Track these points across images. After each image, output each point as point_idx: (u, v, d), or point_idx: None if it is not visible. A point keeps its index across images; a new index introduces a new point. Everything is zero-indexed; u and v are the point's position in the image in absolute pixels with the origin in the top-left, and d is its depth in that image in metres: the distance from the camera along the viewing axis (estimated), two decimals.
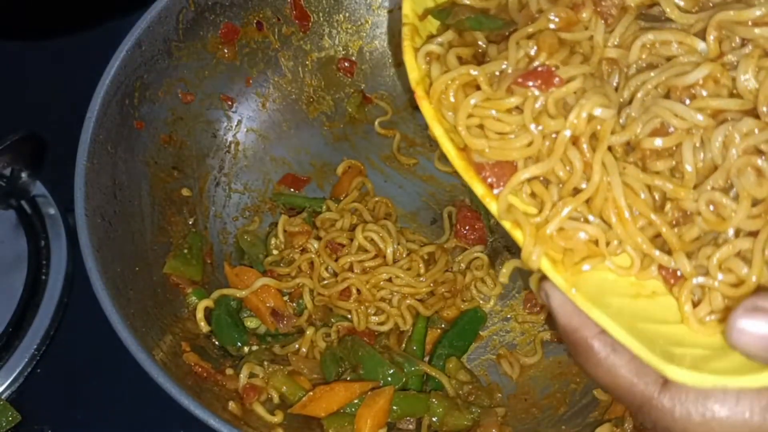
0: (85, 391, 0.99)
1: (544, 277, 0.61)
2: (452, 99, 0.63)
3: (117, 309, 0.80)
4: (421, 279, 0.98)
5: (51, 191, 1.09)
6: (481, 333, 1.00)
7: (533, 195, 0.62)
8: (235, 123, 1.08)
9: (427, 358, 0.97)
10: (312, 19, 1.09)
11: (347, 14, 1.11)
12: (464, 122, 0.62)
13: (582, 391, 0.92)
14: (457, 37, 0.67)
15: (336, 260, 0.98)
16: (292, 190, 1.08)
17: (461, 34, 0.67)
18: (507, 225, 0.62)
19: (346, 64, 1.12)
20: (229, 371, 0.88)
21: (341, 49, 1.12)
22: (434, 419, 0.89)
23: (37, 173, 1.08)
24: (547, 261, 0.60)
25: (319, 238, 1.00)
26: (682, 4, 0.62)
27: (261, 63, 1.07)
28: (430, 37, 0.69)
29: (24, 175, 1.07)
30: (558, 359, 0.97)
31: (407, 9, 0.70)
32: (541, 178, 0.62)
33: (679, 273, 0.59)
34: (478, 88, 0.62)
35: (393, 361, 0.91)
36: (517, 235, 0.61)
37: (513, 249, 1.04)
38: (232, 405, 0.83)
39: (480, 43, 0.67)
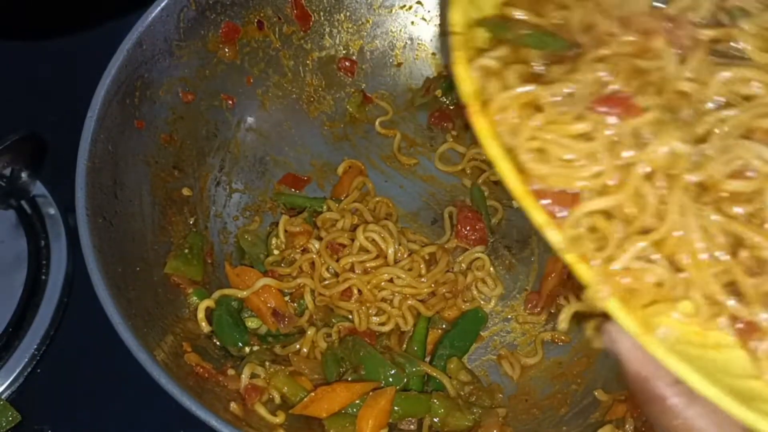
0: (85, 391, 0.99)
1: (606, 318, 0.57)
2: (513, 119, 0.59)
3: (118, 309, 0.80)
4: (422, 279, 0.98)
5: (51, 191, 1.09)
6: (481, 333, 1.00)
7: (593, 229, 0.58)
8: (236, 122, 1.07)
9: (428, 359, 0.97)
10: (313, 19, 1.09)
11: (348, 13, 1.11)
12: (526, 145, 0.58)
13: (583, 392, 0.92)
14: (510, 54, 0.63)
15: (337, 260, 0.98)
16: (292, 189, 1.08)
17: (515, 51, 0.63)
18: (570, 258, 0.57)
19: (347, 63, 1.12)
20: (231, 372, 0.88)
21: (342, 48, 1.12)
22: (435, 420, 0.89)
23: (37, 173, 1.08)
24: (616, 302, 0.56)
25: (320, 239, 1.00)
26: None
27: (262, 62, 1.07)
28: (481, 51, 0.64)
29: (24, 175, 1.07)
30: (558, 360, 0.96)
31: (457, 17, 0.64)
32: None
33: (755, 325, 0.55)
34: (538, 109, 0.59)
35: (394, 362, 0.91)
36: (582, 270, 0.57)
37: (513, 249, 1.04)
38: (233, 406, 0.82)
39: (534, 63, 0.63)
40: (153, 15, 0.94)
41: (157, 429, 0.96)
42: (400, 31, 1.13)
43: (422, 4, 1.12)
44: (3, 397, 0.97)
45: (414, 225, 1.07)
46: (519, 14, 0.65)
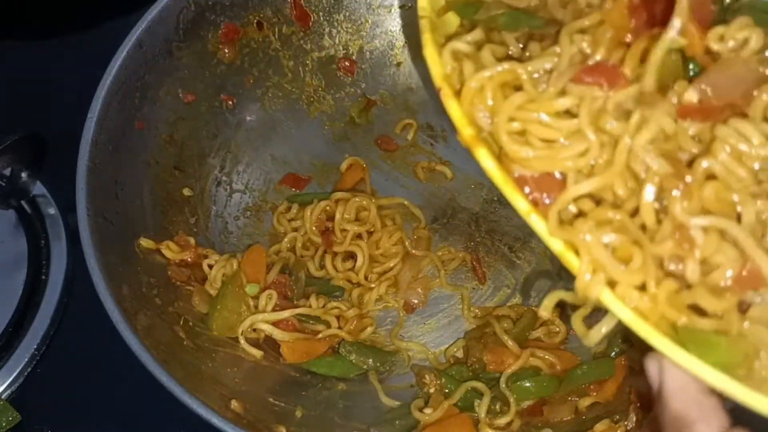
0: (85, 391, 0.99)
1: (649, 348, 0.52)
2: (489, 100, 0.55)
3: (118, 309, 0.80)
4: None
5: (51, 191, 1.09)
6: None
7: (581, 215, 0.54)
8: (236, 123, 1.07)
9: None
10: (312, 19, 1.09)
11: (347, 14, 1.11)
12: (506, 127, 0.54)
13: None
14: (484, 38, 0.59)
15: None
16: (293, 189, 1.08)
17: (489, 35, 0.60)
18: (557, 247, 0.53)
19: (347, 63, 1.12)
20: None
21: (341, 48, 1.12)
22: None
23: (37, 173, 1.08)
24: (610, 293, 0.52)
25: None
26: None
27: (261, 63, 1.07)
28: (453, 36, 0.61)
29: (24, 175, 1.07)
30: None
31: (423, 1, 0.61)
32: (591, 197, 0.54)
33: None
34: (517, 90, 0.55)
35: None
36: (570, 259, 0.53)
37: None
38: (234, 404, 0.82)
39: (510, 45, 0.59)
40: (152, 15, 0.94)
41: (157, 429, 0.96)
42: (399, 30, 1.13)
43: None
44: (3, 397, 0.96)
45: (414, 223, 1.07)
46: None
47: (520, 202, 0.54)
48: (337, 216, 1.02)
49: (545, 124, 0.54)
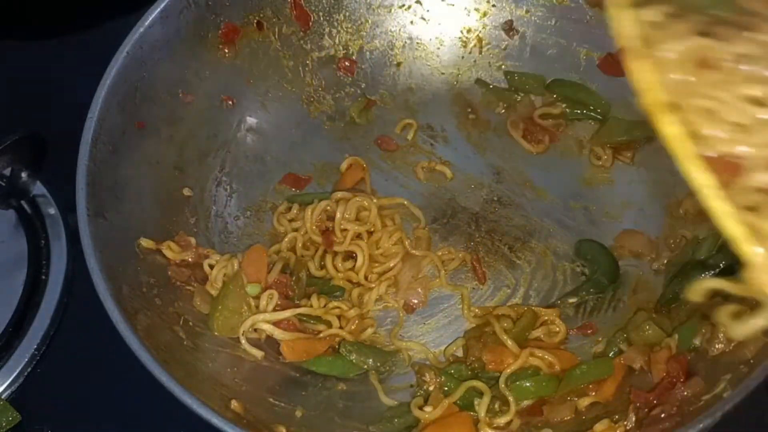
0: (85, 391, 0.99)
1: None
2: (677, 73, 0.53)
3: (118, 308, 0.80)
4: None
5: (51, 191, 1.09)
6: None
7: (752, 209, 0.52)
8: (236, 123, 1.08)
9: None
10: (312, 19, 1.09)
11: (347, 14, 1.11)
12: (695, 102, 0.53)
13: None
14: (672, 12, 0.57)
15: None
16: (293, 189, 1.08)
17: (679, 9, 0.58)
18: (733, 230, 0.51)
19: (347, 63, 1.12)
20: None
21: (341, 48, 1.12)
22: None
23: (37, 173, 1.07)
24: None
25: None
26: None
27: (261, 63, 1.08)
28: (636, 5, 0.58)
29: (24, 175, 1.07)
30: None
31: None
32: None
33: None
34: (702, 67, 0.54)
35: None
36: (748, 248, 0.50)
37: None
38: (234, 404, 0.82)
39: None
40: (153, 16, 0.95)
41: (157, 429, 0.96)
42: (399, 30, 1.13)
43: (421, 4, 1.13)
44: (3, 397, 0.97)
45: (414, 223, 1.06)
46: None
47: (699, 176, 0.51)
48: (338, 215, 1.02)
49: (737, 107, 0.53)
